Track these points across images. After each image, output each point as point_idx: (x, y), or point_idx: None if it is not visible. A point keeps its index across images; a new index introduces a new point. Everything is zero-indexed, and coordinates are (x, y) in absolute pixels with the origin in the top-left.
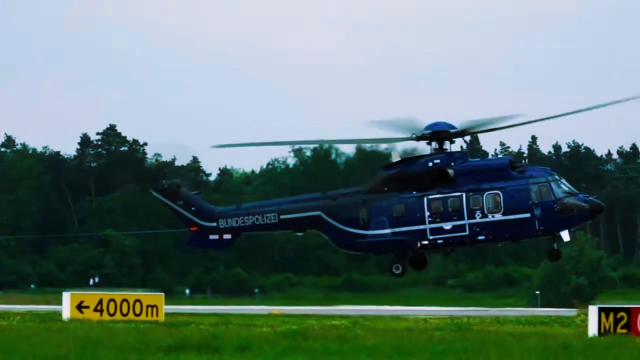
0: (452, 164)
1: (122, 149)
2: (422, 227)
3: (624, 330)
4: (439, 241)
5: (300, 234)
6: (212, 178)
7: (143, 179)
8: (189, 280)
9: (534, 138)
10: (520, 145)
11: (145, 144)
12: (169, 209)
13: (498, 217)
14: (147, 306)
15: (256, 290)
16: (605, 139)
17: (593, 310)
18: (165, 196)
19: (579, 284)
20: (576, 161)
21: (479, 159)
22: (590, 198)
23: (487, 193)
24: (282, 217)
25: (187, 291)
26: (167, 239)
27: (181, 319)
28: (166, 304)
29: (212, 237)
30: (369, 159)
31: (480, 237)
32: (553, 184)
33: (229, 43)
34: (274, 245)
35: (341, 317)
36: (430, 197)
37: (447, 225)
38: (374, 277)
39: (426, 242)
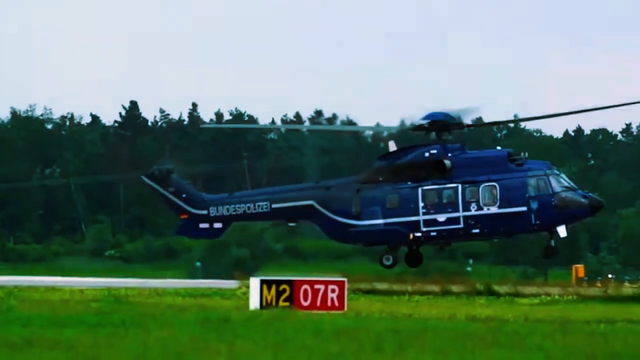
0: (449, 154)
1: None
2: (415, 218)
3: (287, 303)
4: (432, 233)
5: (293, 224)
6: None
7: None
8: None
9: (194, 105)
10: (181, 113)
11: None
12: (159, 195)
13: (494, 210)
14: None
15: None
16: (268, 107)
17: (255, 283)
18: (156, 182)
19: (241, 256)
20: (238, 129)
21: (476, 151)
22: (590, 194)
23: (483, 185)
24: (274, 206)
25: None
26: None
27: None
28: None
29: (202, 225)
30: (23, 124)
31: (474, 230)
32: (552, 178)
33: None
34: None
35: None
36: (425, 188)
37: (441, 217)
38: (29, 247)
39: (419, 234)
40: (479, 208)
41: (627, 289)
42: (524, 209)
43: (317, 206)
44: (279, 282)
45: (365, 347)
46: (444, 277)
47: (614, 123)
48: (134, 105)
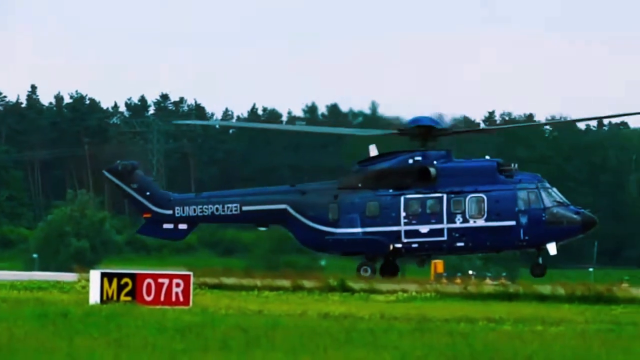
0: (435, 162)
1: None
2: (396, 228)
3: (129, 298)
4: (413, 245)
5: (263, 228)
6: None
7: None
8: None
9: (33, 87)
10: (19, 95)
11: None
12: (122, 192)
13: (480, 223)
14: None
15: None
16: (112, 91)
17: (95, 276)
18: (118, 178)
19: (80, 247)
20: (79, 113)
21: (464, 160)
22: (583, 210)
23: (469, 196)
24: (244, 208)
25: None
26: None
27: None
28: None
29: (166, 226)
30: None
31: (459, 244)
32: (543, 192)
33: None
34: None
35: None
36: (408, 196)
37: (424, 229)
38: None
39: (399, 246)
40: (465, 220)
41: (488, 286)
42: (513, 223)
43: (291, 211)
44: (120, 276)
45: (212, 345)
46: (296, 272)
47: (475, 111)
48: None
